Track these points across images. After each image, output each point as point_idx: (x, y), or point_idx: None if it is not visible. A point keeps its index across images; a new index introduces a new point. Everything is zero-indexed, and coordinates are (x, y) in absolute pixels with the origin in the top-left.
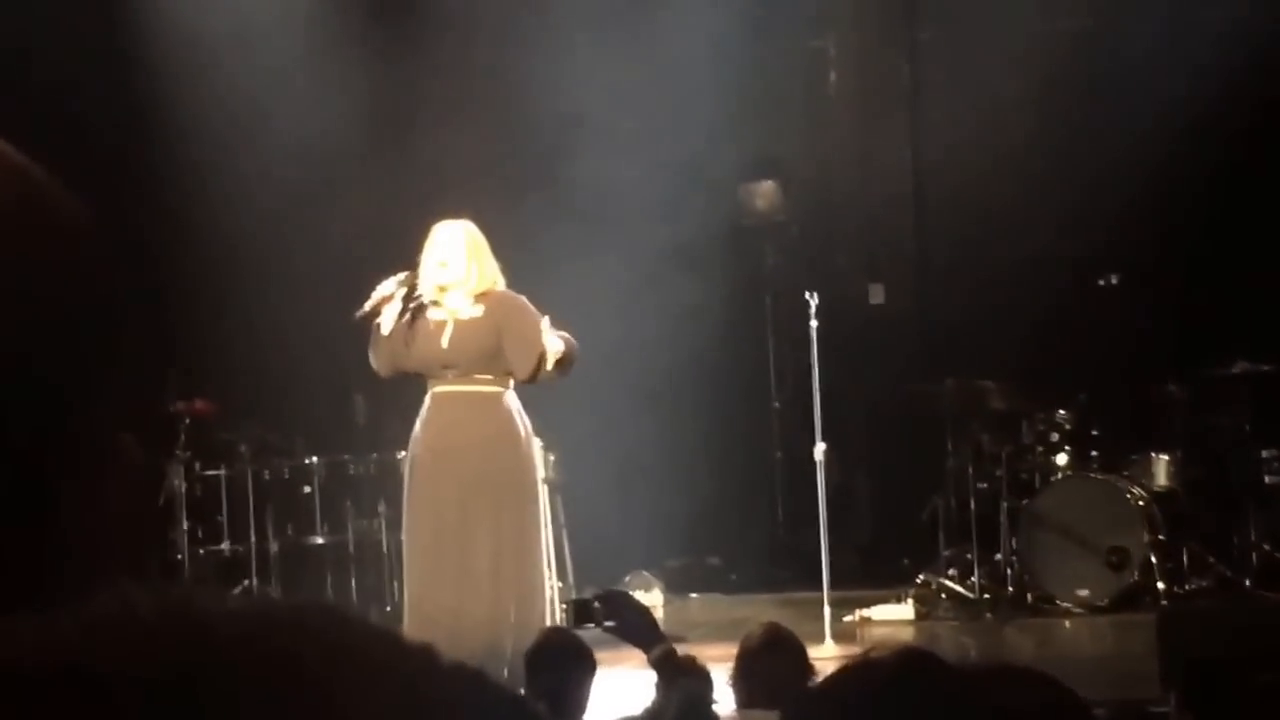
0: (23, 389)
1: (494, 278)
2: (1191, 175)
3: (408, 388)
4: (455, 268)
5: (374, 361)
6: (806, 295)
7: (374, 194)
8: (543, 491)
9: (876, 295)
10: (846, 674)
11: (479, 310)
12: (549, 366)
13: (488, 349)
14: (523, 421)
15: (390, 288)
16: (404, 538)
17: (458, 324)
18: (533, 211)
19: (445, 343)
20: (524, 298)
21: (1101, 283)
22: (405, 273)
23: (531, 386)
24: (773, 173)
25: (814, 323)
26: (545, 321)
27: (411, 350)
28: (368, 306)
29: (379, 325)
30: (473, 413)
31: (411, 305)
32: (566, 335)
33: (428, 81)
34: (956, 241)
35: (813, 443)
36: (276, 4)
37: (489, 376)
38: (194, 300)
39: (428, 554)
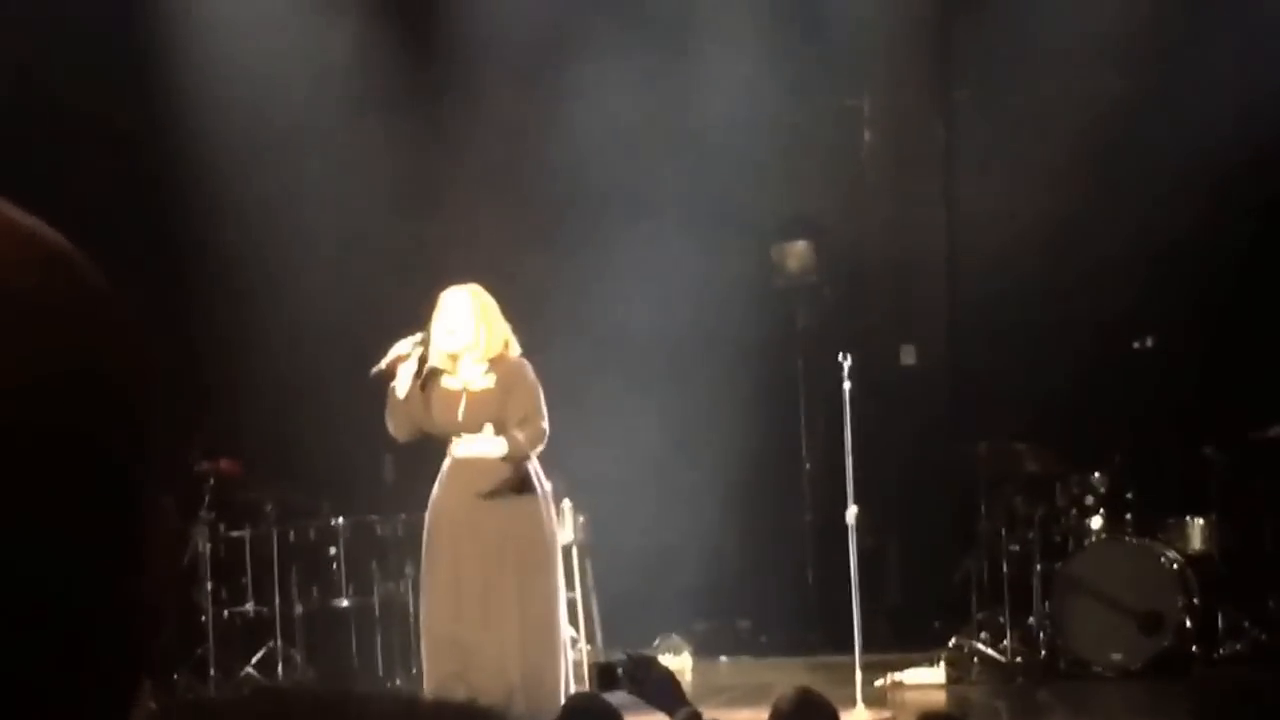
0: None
1: (504, 339)
2: (1229, 237)
3: (436, 450)
4: (464, 333)
5: (391, 425)
6: (839, 356)
7: (404, 255)
8: (571, 553)
9: (909, 356)
10: None
11: (490, 380)
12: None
13: (501, 418)
14: (540, 481)
15: (405, 347)
16: (422, 596)
17: (470, 395)
18: (565, 275)
19: (461, 415)
20: (530, 369)
21: (1137, 345)
22: (420, 334)
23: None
24: (806, 233)
25: (846, 383)
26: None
27: (432, 415)
28: (383, 364)
29: (394, 389)
30: (491, 475)
31: (425, 370)
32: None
33: (459, 145)
34: (990, 302)
35: (844, 505)
36: (307, 72)
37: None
38: (220, 359)
39: (447, 611)
